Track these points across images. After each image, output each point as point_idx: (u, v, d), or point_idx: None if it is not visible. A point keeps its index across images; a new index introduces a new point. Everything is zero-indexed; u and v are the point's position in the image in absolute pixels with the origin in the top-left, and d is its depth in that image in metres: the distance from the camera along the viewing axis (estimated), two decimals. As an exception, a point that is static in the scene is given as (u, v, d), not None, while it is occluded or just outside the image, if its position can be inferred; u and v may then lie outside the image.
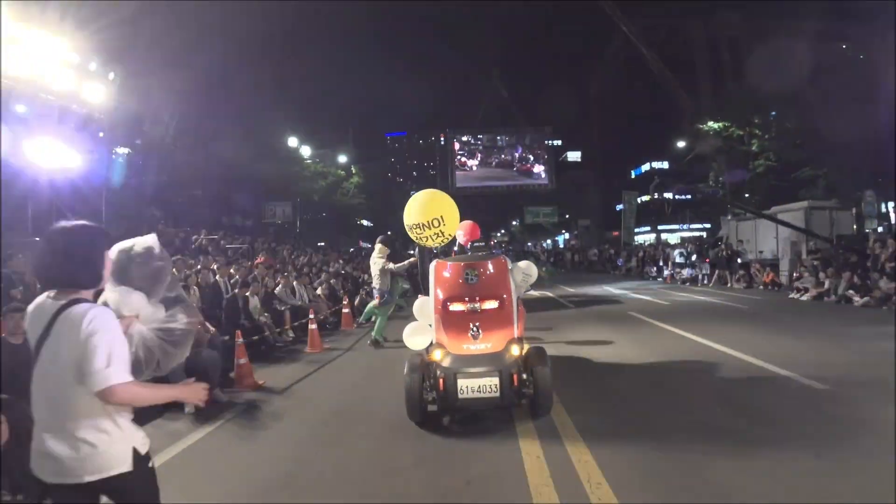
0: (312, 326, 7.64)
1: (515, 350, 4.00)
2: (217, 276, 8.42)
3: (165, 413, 4.79)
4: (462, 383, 3.84)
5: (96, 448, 1.54)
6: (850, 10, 18.62)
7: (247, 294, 7.60)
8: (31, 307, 1.68)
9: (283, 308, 8.59)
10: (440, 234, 4.75)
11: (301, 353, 7.42)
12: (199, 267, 8.64)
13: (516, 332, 4.23)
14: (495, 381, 3.83)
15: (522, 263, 4.44)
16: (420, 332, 4.34)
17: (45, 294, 1.64)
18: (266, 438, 4.13)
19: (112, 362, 1.51)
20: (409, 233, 4.82)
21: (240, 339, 5.56)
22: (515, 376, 3.89)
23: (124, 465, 1.58)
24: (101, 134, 12.43)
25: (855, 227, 17.45)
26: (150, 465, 1.70)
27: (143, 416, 5.02)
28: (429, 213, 4.68)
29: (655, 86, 34.19)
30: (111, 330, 1.55)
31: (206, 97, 19.64)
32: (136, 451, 1.62)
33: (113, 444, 1.57)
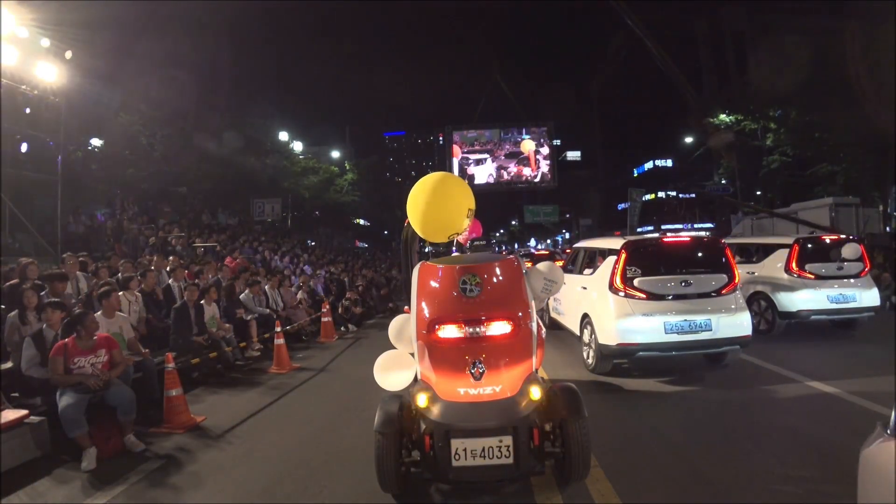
0: (279, 341, 6.34)
1: (536, 392, 2.73)
2: (171, 280, 7.13)
3: (55, 469, 3.56)
4: (458, 445, 2.59)
5: None
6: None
7: (201, 302, 6.32)
8: None
9: (249, 318, 7.30)
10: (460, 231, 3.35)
11: (264, 375, 6.13)
12: (152, 268, 7.28)
13: (535, 365, 2.98)
14: (507, 441, 2.59)
15: (542, 266, 3.15)
16: (398, 366, 3.04)
17: None
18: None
19: None
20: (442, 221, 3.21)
21: (170, 365, 4.27)
22: (536, 431, 2.66)
23: None
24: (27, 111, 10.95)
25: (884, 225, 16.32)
26: None
27: (26, 475, 3.29)
28: (468, 199, 3.26)
29: (659, 83, 32.94)
30: None
31: (187, 85, 18.34)
32: None
33: None
